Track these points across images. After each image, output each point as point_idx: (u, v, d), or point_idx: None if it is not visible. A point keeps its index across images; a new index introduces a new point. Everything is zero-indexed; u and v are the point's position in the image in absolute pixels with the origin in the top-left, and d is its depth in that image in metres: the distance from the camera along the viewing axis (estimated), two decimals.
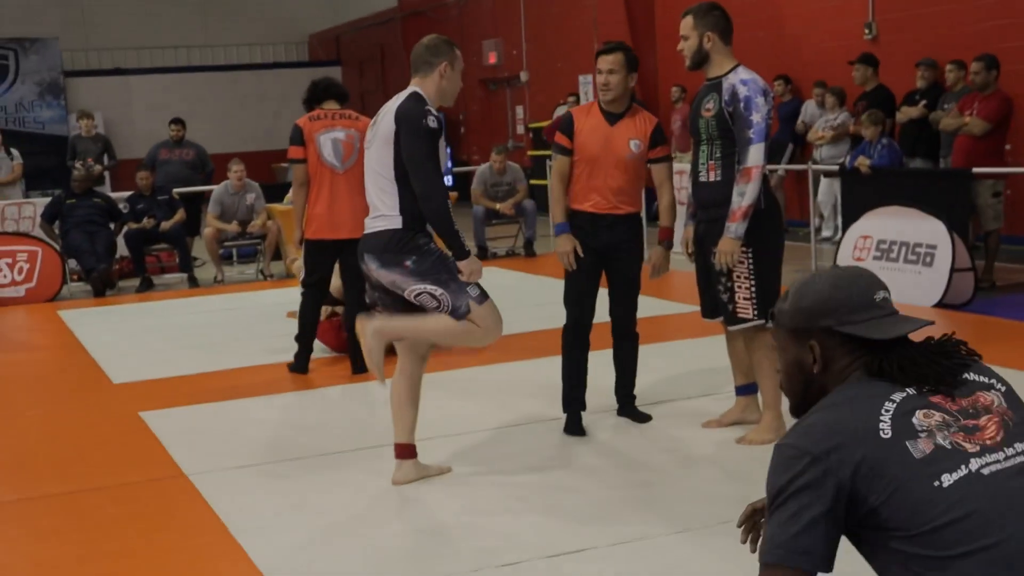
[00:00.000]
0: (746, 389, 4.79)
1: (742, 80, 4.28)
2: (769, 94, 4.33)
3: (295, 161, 6.13)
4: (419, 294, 3.94)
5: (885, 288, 2.00)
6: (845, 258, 8.10)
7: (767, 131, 4.25)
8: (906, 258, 7.67)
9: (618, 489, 4.16)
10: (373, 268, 4.00)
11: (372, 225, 4.03)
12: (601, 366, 5.09)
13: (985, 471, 1.80)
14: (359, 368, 6.12)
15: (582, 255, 4.69)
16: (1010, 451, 1.84)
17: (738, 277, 4.37)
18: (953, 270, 7.34)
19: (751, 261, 4.36)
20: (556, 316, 6.50)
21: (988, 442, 1.84)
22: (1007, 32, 9.58)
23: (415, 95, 4.00)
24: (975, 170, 7.86)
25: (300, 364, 6.31)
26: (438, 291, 3.91)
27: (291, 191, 6.62)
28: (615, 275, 4.82)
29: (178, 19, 23.13)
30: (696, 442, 4.69)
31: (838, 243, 8.57)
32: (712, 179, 4.43)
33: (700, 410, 5.10)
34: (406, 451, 4.29)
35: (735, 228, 4.28)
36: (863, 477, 1.80)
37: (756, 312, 4.39)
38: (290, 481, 4.44)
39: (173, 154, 11.75)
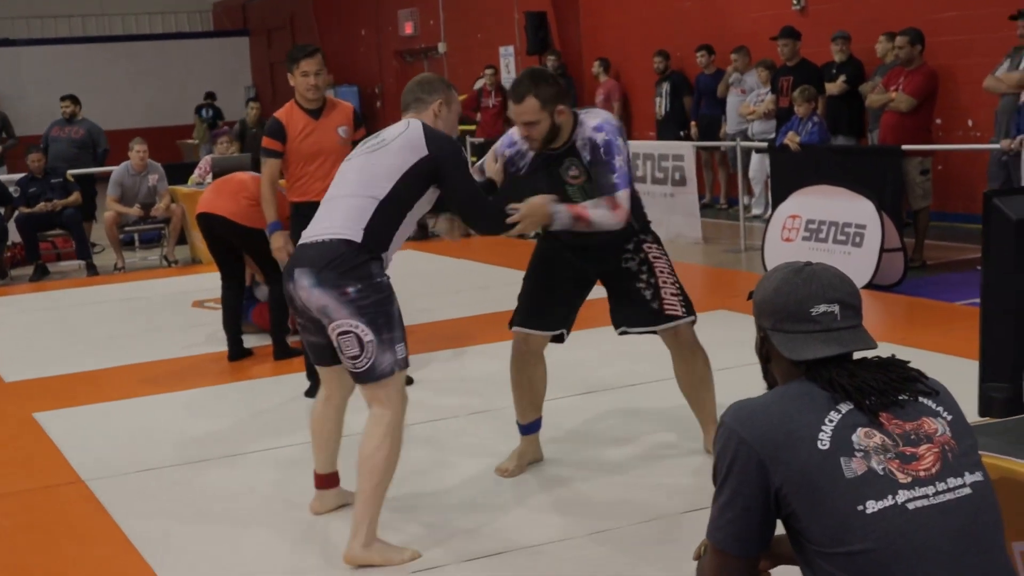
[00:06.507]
0: (534, 426, 4.24)
1: (595, 127, 3.81)
2: (623, 131, 3.88)
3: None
4: (345, 332, 3.25)
5: (837, 301, 1.96)
6: (774, 238, 8.03)
7: (630, 174, 3.81)
8: (835, 238, 7.62)
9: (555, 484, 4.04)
10: (304, 286, 3.29)
11: (316, 233, 3.37)
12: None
13: (911, 505, 1.81)
14: (281, 353, 6.10)
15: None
16: (941, 486, 1.84)
17: (661, 272, 4.05)
18: (883, 250, 7.29)
19: (667, 260, 4.08)
20: (485, 302, 6.13)
21: (922, 474, 1.83)
22: (937, 2, 9.49)
23: (426, 125, 3.50)
24: (904, 147, 7.78)
25: (235, 352, 6.20)
26: (368, 336, 3.24)
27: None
28: None
29: None
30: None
31: (767, 221, 8.44)
32: None
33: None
34: (330, 480, 3.86)
35: (564, 212, 3.72)
36: (792, 483, 1.83)
37: (684, 309, 4.04)
38: (195, 486, 4.27)
39: (63, 132, 11.22)
